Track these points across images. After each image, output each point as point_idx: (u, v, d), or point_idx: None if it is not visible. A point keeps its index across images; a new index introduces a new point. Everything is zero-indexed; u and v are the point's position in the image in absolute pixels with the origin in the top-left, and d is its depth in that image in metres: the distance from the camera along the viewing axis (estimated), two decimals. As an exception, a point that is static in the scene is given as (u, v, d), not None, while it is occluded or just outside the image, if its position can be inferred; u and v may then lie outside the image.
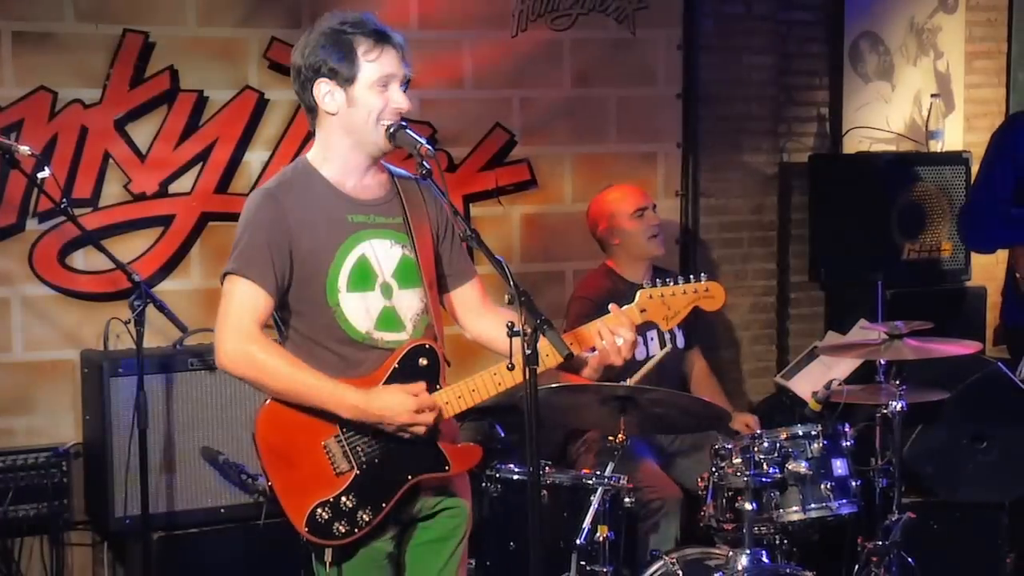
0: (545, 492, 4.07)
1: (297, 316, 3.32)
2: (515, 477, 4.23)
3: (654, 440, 5.01)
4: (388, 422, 3.22)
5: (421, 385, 3.26)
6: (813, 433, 4.30)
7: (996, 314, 6.32)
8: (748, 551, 4.10)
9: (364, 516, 3.24)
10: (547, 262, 5.73)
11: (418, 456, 3.29)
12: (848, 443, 4.36)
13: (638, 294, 3.43)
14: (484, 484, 4.24)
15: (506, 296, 3.08)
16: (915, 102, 6.49)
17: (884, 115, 6.43)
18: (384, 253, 3.33)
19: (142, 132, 5.04)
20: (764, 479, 4.18)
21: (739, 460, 4.22)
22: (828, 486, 4.24)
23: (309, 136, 3.40)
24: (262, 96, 5.20)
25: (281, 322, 3.35)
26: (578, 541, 4.02)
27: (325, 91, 3.27)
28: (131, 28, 5.00)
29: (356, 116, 3.27)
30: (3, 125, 4.80)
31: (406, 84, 3.31)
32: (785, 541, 4.30)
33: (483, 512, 4.21)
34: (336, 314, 3.28)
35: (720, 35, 6.04)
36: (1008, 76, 6.74)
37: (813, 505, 4.23)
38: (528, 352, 3.03)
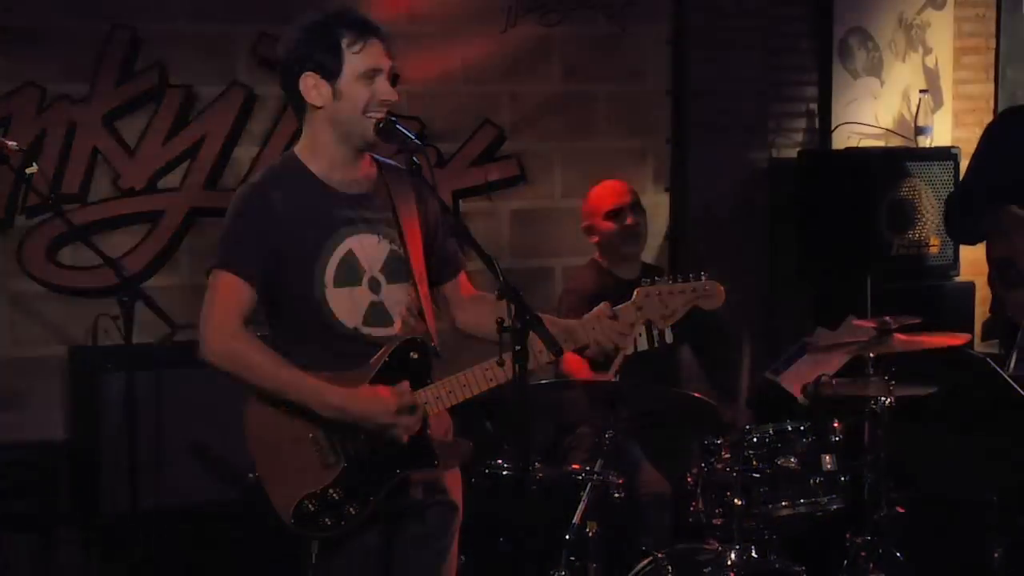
0: (535, 488, 4.07)
1: (284, 311, 3.31)
2: (505, 473, 4.22)
3: (644, 435, 5.01)
4: (368, 424, 3.21)
5: (405, 385, 3.25)
6: (802, 428, 4.30)
7: (984, 309, 6.33)
8: (737, 546, 4.11)
9: (351, 509, 3.24)
10: (536, 258, 5.73)
11: (407, 451, 3.28)
12: (837, 438, 4.37)
13: (635, 292, 3.39)
14: (474, 480, 4.24)
15: (496, 293, 3.08)
16: (904, 98, 6.50)
17: (873, 111, 6.44)
18: (371, 248, 3.33)
19: (131, 128, 5.04)
20: (753, 474, 4.19)
21: (728, 455, 4.23)
22: (817, 481, 4.25)
23: (298, 132, 3.39)
24: (251, 92, 5.19)
25: (268, 316, 3.34)
26: (568, 536, 4.02)
27: (311, 84, 3.26)
28: (119, 24, 4.99)
29: (342, 109, 3.26)
30: (-9, 121, 4.80)
31: (394, 77, 3.31)
32: (774, 536, 4.31)
33: (473, 507, 4.20)
34: (323, 309, 3.27)
35: (709, 31, 6.04)
36: (997, 72, 6.76)
37: (802, 500, 4.24)
38: (518, 348, 3.03)
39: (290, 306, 3.30)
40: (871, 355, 4.60)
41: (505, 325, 3.05)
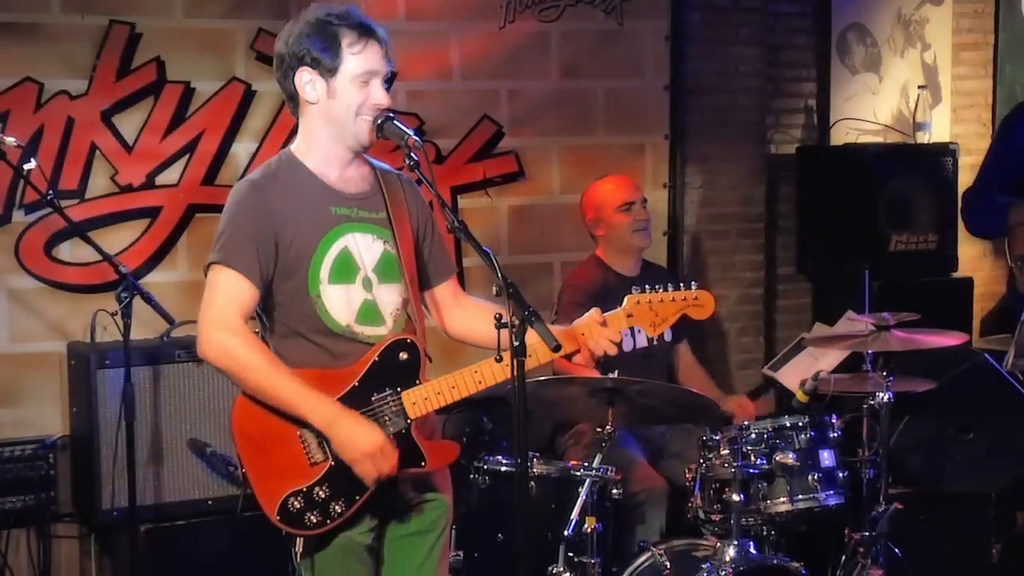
0: (533, 484, 4.07)
1: (279, 307, 3.32)
2: (503, 469, 4.23)
3: (642, 432, 5.01)
4: (345, 450, 3.21)
5: (395, 452, 3.24)
6: (800, 424, 4.31)
7: (983, 305, 6.35)
8: (735, 542, 4.11)
9: (337, 507, 3.24)
10: (535, 254, 5.73)
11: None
12: (835, 434, 4.37)
13: (626, 299, 3.44)
14: (472, 476, 4.24)
15: (494, 288, 3.08)
16: (902, 94, 6.50)
17: (871, 107, 6.44)
18: (366, 247, 3.34)
19: (129, 124, 5.03)
20: (752, 470, 4.19)
21: (727, 451, 4.24)
22: (815, 477, 4.25)
23: (296, 128, 3.40)
24: (249, 88, 5.19)
25: (263, 312, 3.35)
26: (566, 532, 4.02)
27: (307, 80, 3.27)
28: (117, 19, 4.98)
29: (336, 108, 3.27)
30: (-11, 116, 4.79)
31: (389, 82, 3.32)
32: (772, 532, 4.31)
33: (471, 504, 4.21)
34: (317, 305, 3.28)
35: (708, 27, 6.04)
36: (995, 68, 6.76)
37: (800, 496, 4.24)
38: (516, 344, 3.03)
39: (284, 302, 3.31)
40: (869, 351, 4.60)
41: (503, 321, 3.06)
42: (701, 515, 4.31)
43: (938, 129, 6.48)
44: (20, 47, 4.86)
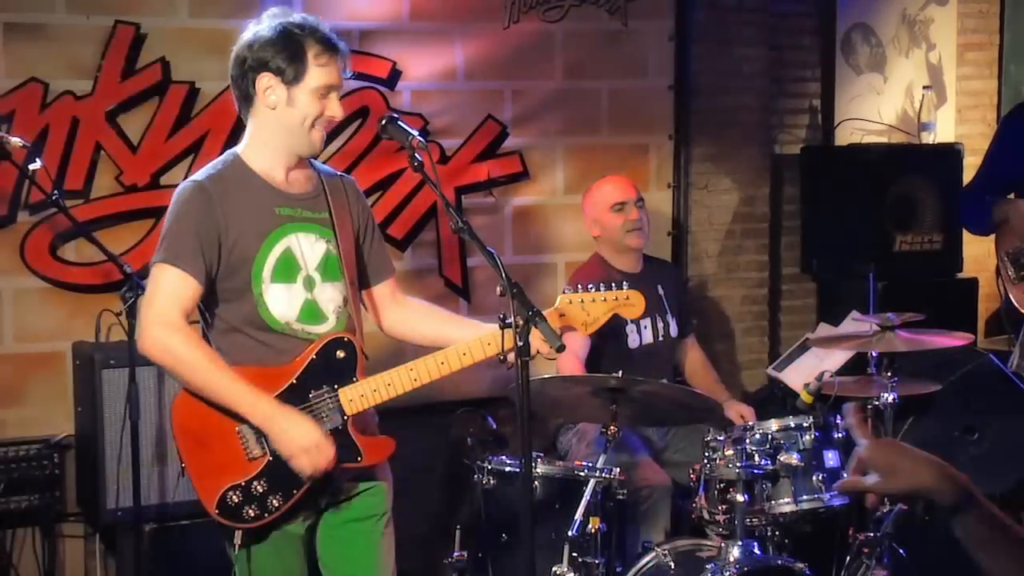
0: (537, 484, 4.07)
1: (221, 303, 3.39)
2: (507, 469, 4.23)
3: (645, 432, 5.01)
4: (282, 445, 3.27)
5: (332, 447, 3.29)
6: (805, 425, 4.30)
7: (988, 305, 6.34)
8: (740, 542, 4.11)
9: (274, 501, 3.31)
10: (539, 254, 5.73)
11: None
12: (840, 435, 4.36)
13: (558, 298, 3.54)
14: (476, 476, 4.25)
15: (498, 288, 3.10)
16: (907, 94, 6.50)
17: (876, 107, 6.44)
18: (309, 246, 3.41)
19: (134, 124, 5.03)
20: (756, 470, 4.18)
21: (731, 452, 4.23)
22: (820, 478, 4.24)
23: (237, 124, 3.44)
24: (254, 88, 5.18)
25: (205, 308, 3.42)
26: (570, 533, 4.02)
27: (267, 85, 3.34)
28: (122, 19, 4.98)
29: (293, 116, 3.35)
30: (-6, 117, 4.80)
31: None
32: (777, 532, 4.30)
33: (475, 504, 4.21)
34: (258, 303, 3.35)
35: (712, 27, 6.04)
36: (1000, 68, 6.76)
37: (805, 497, 4.23)
38: (520, 344, 3.04)
39: (226, 299, 3.38)
40: (874, 352, 4.59)
41: (507, 321, 3.08)
42: (705, 515, 4.31)
43: (943, 129, 6.47)
44: (25, 47, 4.86)
